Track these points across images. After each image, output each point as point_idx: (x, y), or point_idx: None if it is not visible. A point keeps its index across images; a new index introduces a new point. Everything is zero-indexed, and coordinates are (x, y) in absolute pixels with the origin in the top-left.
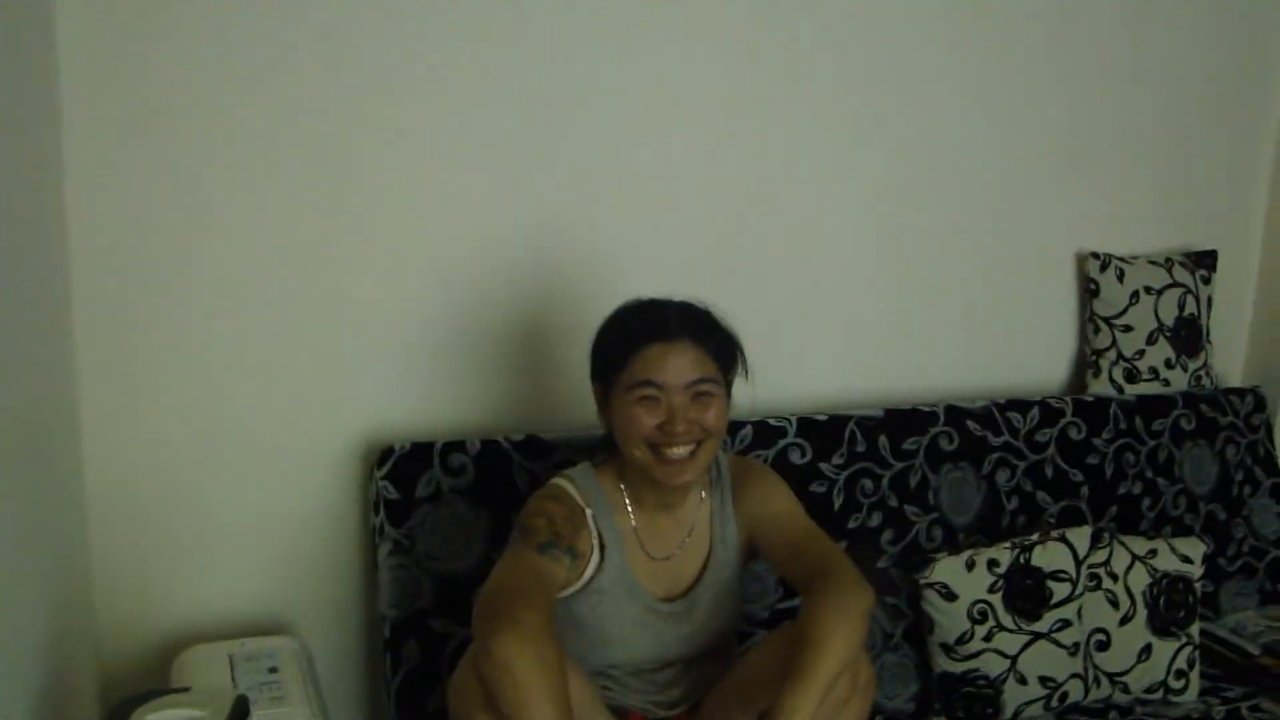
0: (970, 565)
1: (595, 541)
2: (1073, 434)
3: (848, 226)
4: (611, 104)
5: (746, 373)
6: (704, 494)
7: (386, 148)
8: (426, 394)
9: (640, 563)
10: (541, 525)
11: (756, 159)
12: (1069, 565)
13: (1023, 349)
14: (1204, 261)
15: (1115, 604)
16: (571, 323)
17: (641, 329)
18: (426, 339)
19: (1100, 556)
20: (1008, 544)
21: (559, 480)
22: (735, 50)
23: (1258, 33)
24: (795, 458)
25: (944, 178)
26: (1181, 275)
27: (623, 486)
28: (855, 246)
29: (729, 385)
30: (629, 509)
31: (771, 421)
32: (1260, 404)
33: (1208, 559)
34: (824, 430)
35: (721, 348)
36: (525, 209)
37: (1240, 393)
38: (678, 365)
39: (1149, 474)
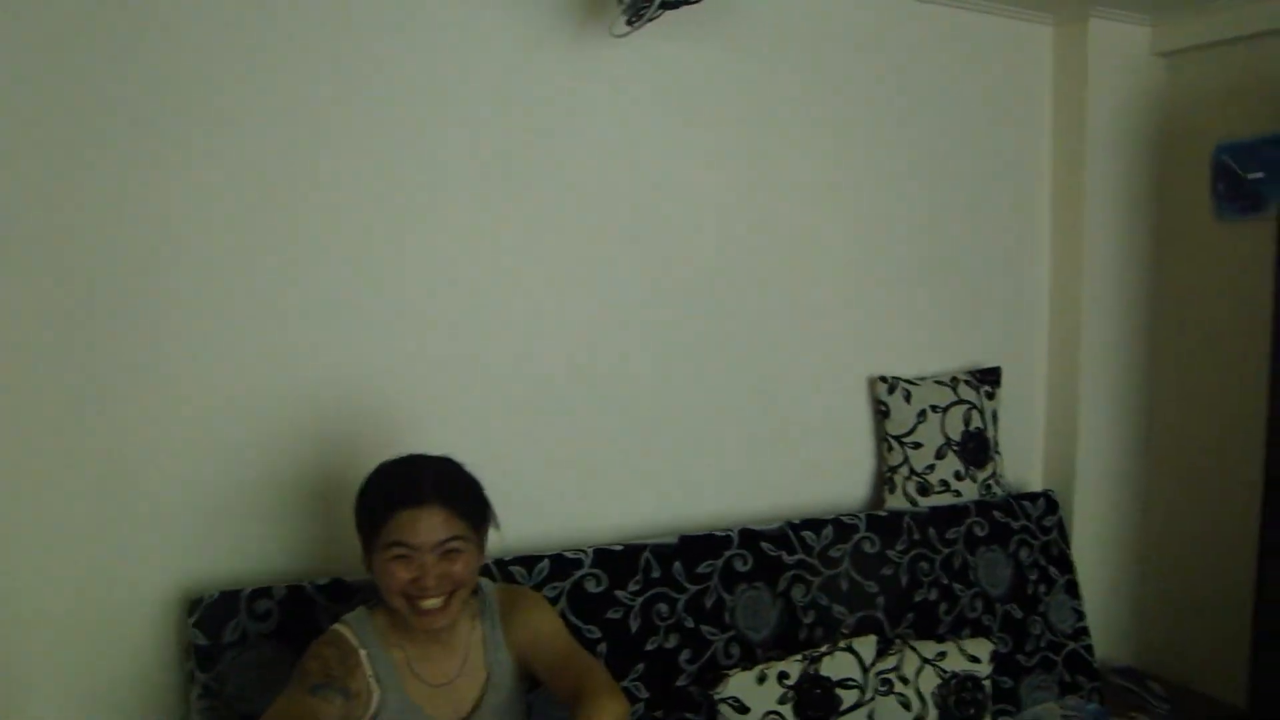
0: (762, 679)
1: (372, 679)
2: (867, 548)
3: (646, 356)
4: (411, 269)
5: (497, 524)
6: (474, 623)
7: (195, 299)
8: (236, 543)
9: (420, 691)
10: (315, 668)
11: (550, 305)
12: (856, 673)
13: (825, 469)
14: (988, 378)
15: (907, 706)
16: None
17: (396, 493)
18: (238, 489)
19: (890, 662)
20: (799, 656)
21: (337, 626)
22: (517, 216)
23: (1027, 167)
24: (591, 587)
25: (739, 304)
26: (967, 392)
27: (394, 624)
28: (659, 378)
29: (481, 536)
30: (401, 644)
31: (568, 554)
32: (1052, 506)
33: (998, 656)
34: (620, 560)
35: (471, 507)
36: (331, 361)
37: (1032, 497)
38: (428, 527)
39: (945, 580)
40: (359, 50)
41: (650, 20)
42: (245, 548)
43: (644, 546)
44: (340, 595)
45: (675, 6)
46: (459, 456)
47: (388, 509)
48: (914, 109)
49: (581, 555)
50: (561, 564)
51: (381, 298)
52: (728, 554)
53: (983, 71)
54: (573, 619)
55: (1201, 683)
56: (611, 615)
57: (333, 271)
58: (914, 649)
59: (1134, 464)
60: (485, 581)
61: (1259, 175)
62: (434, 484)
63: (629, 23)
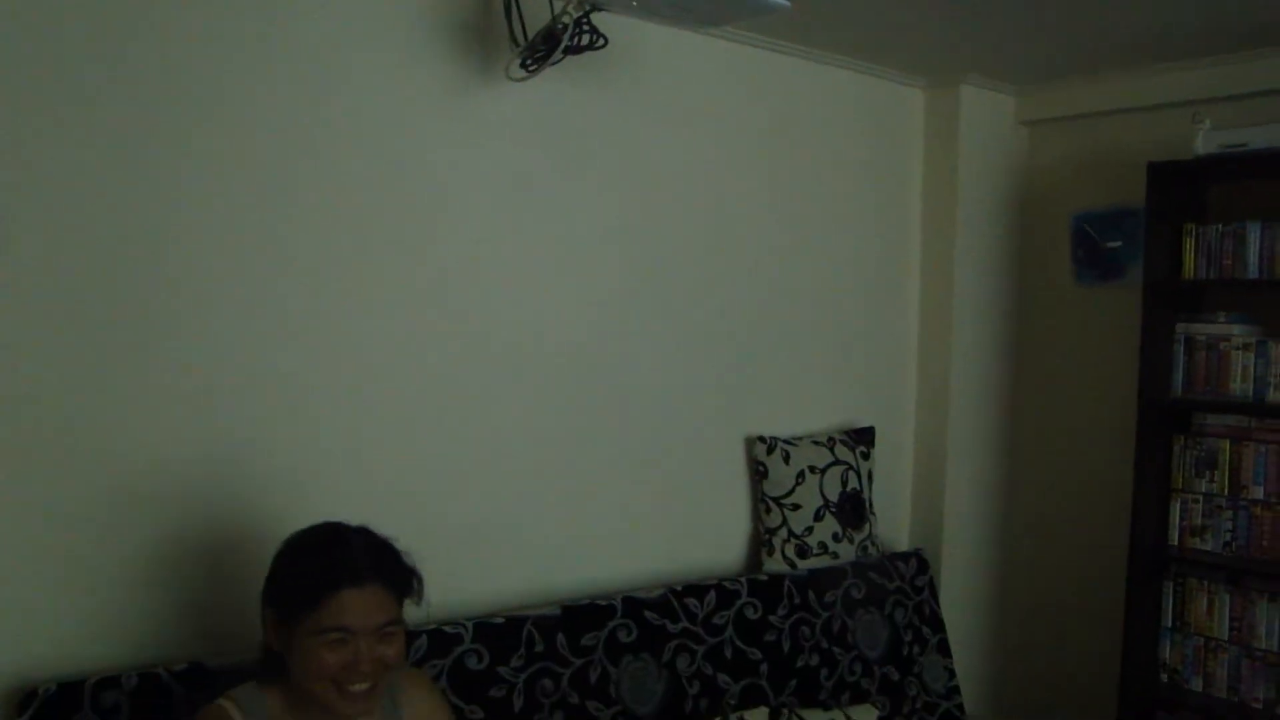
0: None
1: None
2: (749, 613)
3: (522, 417)
4: (281, 337)
5: (420, 599)
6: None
7: (52, 367)
8: (79, 622)
9: None
10: None
11: (429, 362)
12: None
13: (703, 532)
14: (863, 438)
15: None
16: (235, 538)
17: (332, 572)
18: (82, 563)
19: None
20: None
21: (221, 701)
22: (393, 264)
23: (899, 228)
24: (472, 663)
25: (614, 364)
26: (843, 453)
27: (291, 704)
28: (533, 439)
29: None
30: None
31: (447, 629)
32: (923, 566)
33: None
34: (501, 633)
35: (404, 583)
36: (188, 420)
37: (905, 557)
38: (367, 610)
39: (825, 644)
40: (245, 92)
41: (552, 65)
42: (89, 627)
43: (526, 618)
44: (201, 682)
45: (579, 51)
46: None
47: (326, 589)
48: (792, 166)
49: (461, 629)
50: (441, 639)
51: (256, 373)
52: (611, 624)
53: (859, 132)
54: (454, 699)
55: None
56: (494, 694)
57: (204, 343)
58: (802, 718)
59: (999, 521)
60: None
61: (1117, 244)
62: (372, 560)
63: (524, 65)
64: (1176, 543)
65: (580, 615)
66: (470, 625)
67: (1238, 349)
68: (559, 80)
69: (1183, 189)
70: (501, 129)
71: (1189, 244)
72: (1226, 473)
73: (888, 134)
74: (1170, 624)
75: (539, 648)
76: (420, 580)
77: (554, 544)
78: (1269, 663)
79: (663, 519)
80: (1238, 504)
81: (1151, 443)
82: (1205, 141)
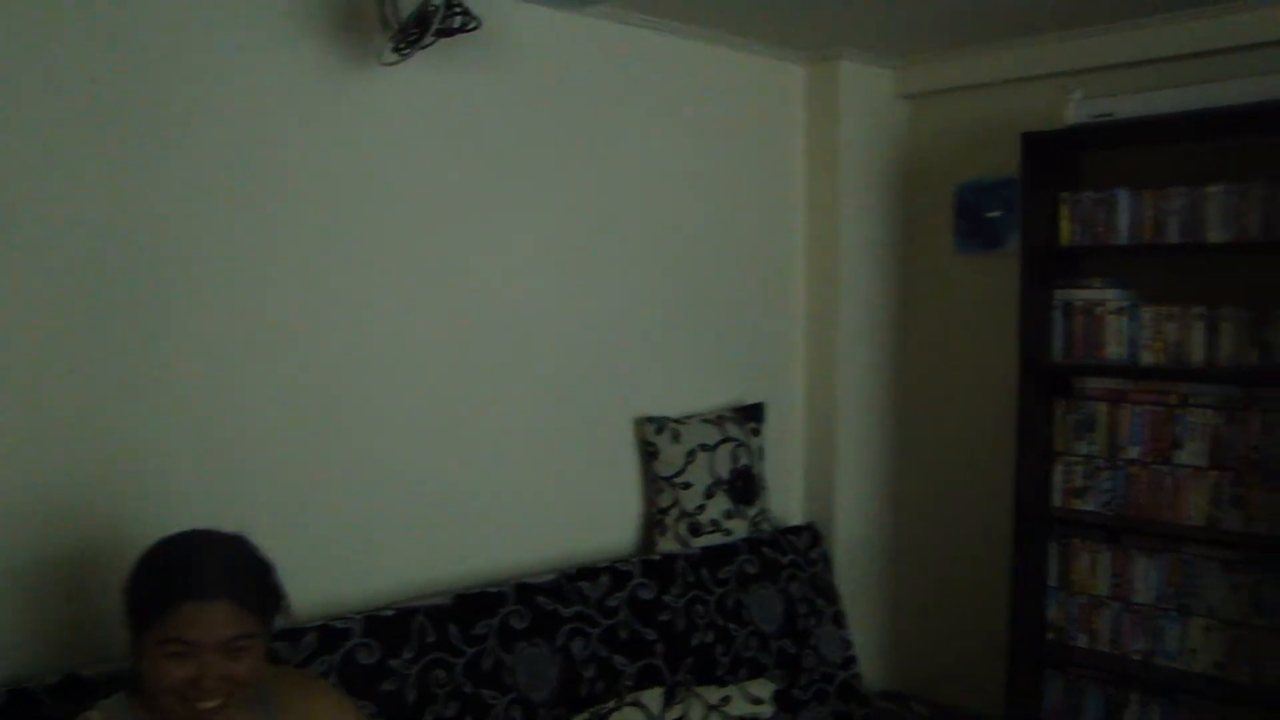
0: None
1: None
2: (643, 594)
3: (409, 403)
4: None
5: (287, 610)
6: (247, 715)
7: None
8: None
9: None
10: None
11: (304, 349)
12: None
13: (595, 515)
14: (753, 414)
15: None
16: (109, 545)
17: (175, 582)
18: None
19: (676, 712)
20: (585, 714)
21: (88, 712)
22: (270, 251)
23: (782, 204)
24: (364, 658)
25: (502, 348)
26: (734, 430)
27: (154, 716)
28: (414, 436)
29: (269, 625)
30: None
31: (336, 624)
32: (816, 539)
33: (780, 695)
34: (392, 625)
35: (261, 597)
36: (63, 419)
37: (797, 531)
38: (212, 624)
39: (720, 621)
40: (118, 78)
41: (423, 49)
42: None
43: (417, 609)
44: (76, 695)
45: (451, 34)
46: (249, 534)
47: (165, 601)
48: (675, 146)
49: (350, 624)
50: (329, 635)
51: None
52: (504, 611)
53: (740, 108)
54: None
55: (962, 700)
56: (386, 687)
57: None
58: (698, 695)
59: (890, 491)
60: None
61: (997, 214)
62: (221, 573)
63: (396, 50)
64: (1060, 504)
65: (472, 604)
66: (360, 619)
67: (1113, 313)
68: (438, 64)
69: (1056, 158)
70: (376, 115)
71: (1064, 212)
72: (1105, 434)
73: (770, 111)
74: (1056, 584)
75: (431, 638)
76: (282, 598)
77: (445, 533)
78: (1146, 615)
79: (554, 504)
80: (1116, 464)
81: (1033, 407)
82: (1076, 111)
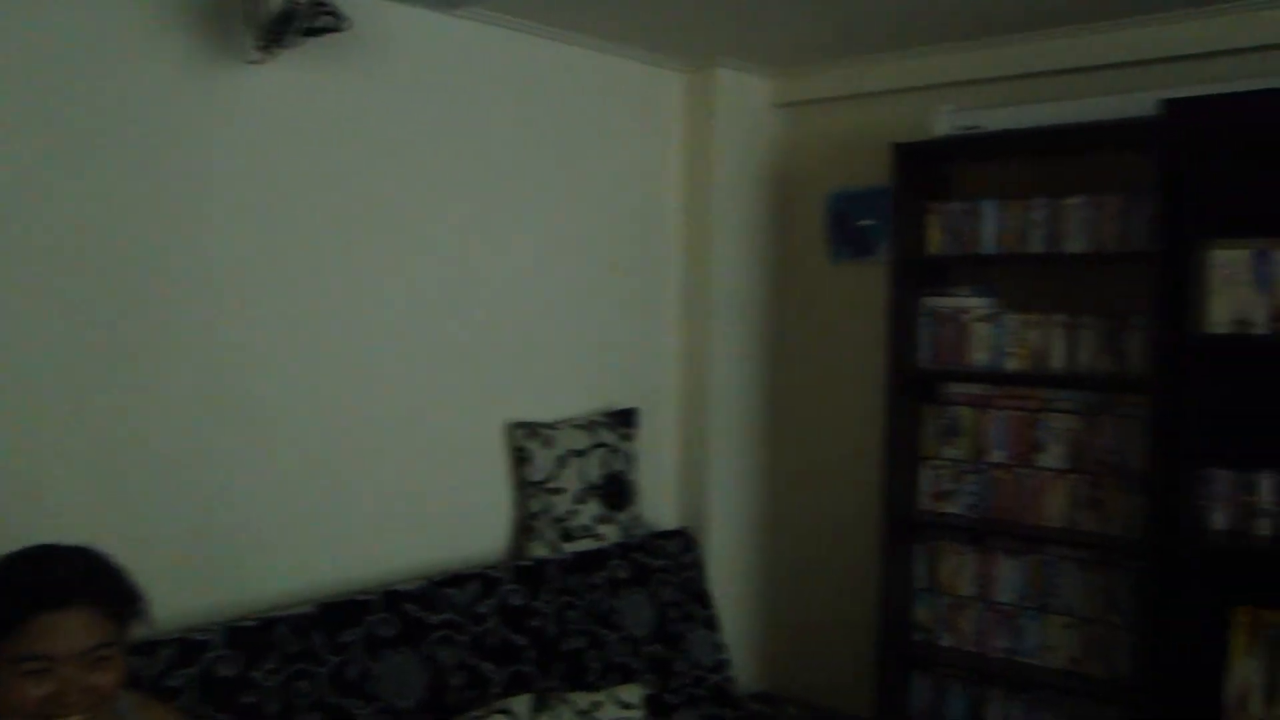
0: None
1: None
2: (514, 600)
3: (274, 406)
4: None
5: (146, 615)
6: None
7: None
8: None
9: None
10: None
11: (160, 350)
12: None
13: (465, 521)
14: (625, 420)
15: None
16: None
17: (30, 594)
18: None
19: (546, 719)
20: None
21: None
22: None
23: (658, 210)
24: (225, 670)
25: (370, 353)
26: (605, 435)
27: None
28: (280, 441)
29: (128, 633)
30: None
31: (196, 636)
32: (689, 544)
33: (650, 700)
34: (253, 636)
35: (122, 602)
36: None
37: (670, 535)
38: (70, 633)
39: (591, 627)
40: None
41: (288, 48)
42: None
43: (279, 619)
44: None
45: (318, 34)
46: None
47: (24, 613)
48: (550, 151)
49: (210, 635)
50: (188, 647)
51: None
52: (370, 619)
53: (616, 114)
54: (205, 710)
55: (833, 701)
56: (247, 700)
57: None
58: (568, 703)
59: (763, 496)
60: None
61: (869, 222)
62: (75, 580)
63: (261, 48)
64: (927, 507)
65: (337, 612)
66: (221, 630)
67: (978, 320)
68: (312, 64)
69: (925, 169)
70: (243, 114)
71: (933, 221)
72: (971, 438)
73: (647, 118)
74: (924, 585)
75: (294, 648)
76: (140, 599)
77: (313, 542)
78: (1006, 614)
79: (425, 511)
80: (980, 468)
81: (901, 413)
82: (944, 124)
